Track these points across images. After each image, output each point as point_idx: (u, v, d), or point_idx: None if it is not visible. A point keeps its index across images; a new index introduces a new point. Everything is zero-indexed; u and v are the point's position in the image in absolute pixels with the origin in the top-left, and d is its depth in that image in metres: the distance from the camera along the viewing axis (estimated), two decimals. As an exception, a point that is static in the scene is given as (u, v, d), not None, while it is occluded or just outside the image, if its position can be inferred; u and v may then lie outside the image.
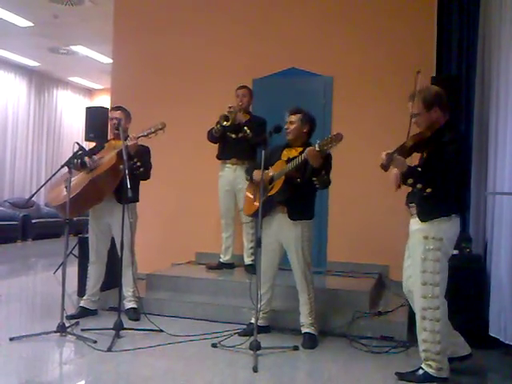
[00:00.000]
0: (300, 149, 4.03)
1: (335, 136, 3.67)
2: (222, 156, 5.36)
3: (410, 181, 3.11)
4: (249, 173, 4.33)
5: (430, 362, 3.24)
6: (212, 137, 5.28)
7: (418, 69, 5.45)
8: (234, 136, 5.22)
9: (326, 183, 3.95)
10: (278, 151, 4.15)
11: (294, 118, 4.08)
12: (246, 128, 5.11)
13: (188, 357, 3.76)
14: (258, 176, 4.05)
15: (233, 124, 5.13)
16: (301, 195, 3.98)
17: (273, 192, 3.99)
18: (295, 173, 3.90)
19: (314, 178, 3.84)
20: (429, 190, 3.06)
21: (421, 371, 3.29)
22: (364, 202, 5.70)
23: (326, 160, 3.87)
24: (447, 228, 3.20)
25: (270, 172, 4.05)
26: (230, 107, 5.17)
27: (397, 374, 3.40)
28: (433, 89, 3.38)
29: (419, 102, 3.28)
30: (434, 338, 3.19)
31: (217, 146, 5.39)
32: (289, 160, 4.01)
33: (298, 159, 3.84)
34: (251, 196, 4.29)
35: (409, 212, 3.38)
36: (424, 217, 3.21)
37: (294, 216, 3.99)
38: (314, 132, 4.20)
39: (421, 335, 3.26)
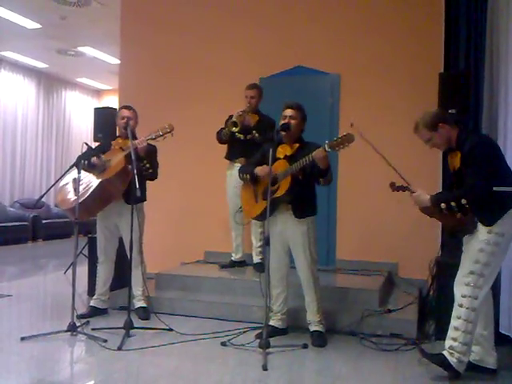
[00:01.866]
0: (296, 145, 4.02)
1: (346, 137, 3.64)
2: (231, 156, 5.37)
3: (453, 203, 3.18)
4: (244, 172, 4.22)
5: (453, 352, 3.26)
6: (221, 139, 5.30)
7: (426, 65, 5.49)
8: (242, 137, 5.22)
9: (330, 181, 3.95)
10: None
11: (294, 113, 4.01)
12: (254, 132, 5.12)
13: (197, 355, 3.78)
14: (262, 172, 4.01)
15: (242, 128, 5.15)
16: (303, 192, 3.96)
17: (281, 193, 3.91)
18: (298, 171, 3.88)
19: (321, 179, 3.84)
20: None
21: (441, 356, 3.31)
22: (373, 201, 5.69)
23: None
24: (510, 222, 3.22)
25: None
26: (238, 112, 5.17)
27: (420, 350, 3.49)
28: (429, 112, 3.44)
29: (424, 129, 3.37)
30: (467, 328, 3.22)
31: (225, 145, 5.41)
32: (287, 158, 3.98)
33: (305, 160, 3.78)
34: (250, 198, 4.21)
35: None
36: (488, 222, 3.21)
37: (299, 214, 3.96)
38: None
39: (453, 322, 3.28)
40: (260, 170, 4.07)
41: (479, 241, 3.23)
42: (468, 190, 3.20)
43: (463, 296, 3.25)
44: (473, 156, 3.21)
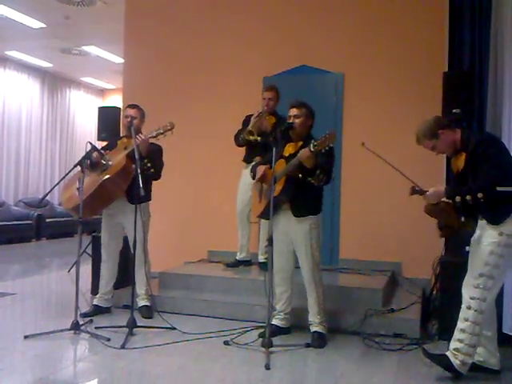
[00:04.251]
0: (300, 143, 4.00)
1: (329, 136, 3.62)
2: (249, 159, 5.30)
3: (469, 197, 3.12)
4: (251, 170, 4.33)
5: (458, 354, 3.24)
6: (239, 143, 5.26)
7: (430, 64, 5.48)
8: (259, 139, 5.20)
9: (324, 182, 3.84)
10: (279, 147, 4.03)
11: (298, 111, 4.01)
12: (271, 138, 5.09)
13: (200, 354, 3.78)
14: (260, 171, 4.07)
15: (258, 134, 5.11)
16: (304, 191, 3.92)
17: (276, 193, 3.89)
18: (295, 170, 3.86)
19: (309, 178, 3.81)
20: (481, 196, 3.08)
21: (444, 357, 3.30)
22: (376, 200, 5.69)
23: (328, 157, 3.80)
24: None
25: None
26: (255, 117, 5.11)
27: (423, 350, 3.46)
28: (426, 122, 3.42)
29: (425, 140, 3.37)
30: (474, 330, 3.20)
31: (232, 146, 5.39)
32: (289, 157, 3.97)
33: (294, 161, 3.80)
34: (257, 197, 4.26)
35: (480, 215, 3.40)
36: (496, 221, 3.19)
37: (297, 212, 3.95)
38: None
39: (460, 325, 3.26)
40: (258, 169, 4.15)
41: (489, 243, 3.20)
42: (485, 184, 3.11)
43: (472, 298, 3.22)
44: (481, 153, 3.17)
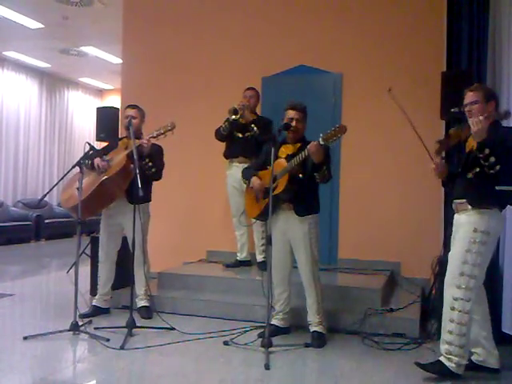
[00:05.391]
0: (298, 145, 4.00)
1: (339, 128, 3.62)
2: (229, 154, 5.39)
3: (487, 151, 3.01)
4: (245, 175, 4.28)
5: (451, 356, 3.23)
6: (220, 135, 5.32)
7: (428, 64, 5.48)
8: (240, 135, 5.25)
9: (327, 178, 3.86)
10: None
11: (299, 115, 4.01)
12: (252, 125, 5.14)
13: (200, 354, 3.78)
14: (257, 185, 4.06)
15: (240, 122, 5.15)
16: (304, 190, 3.94)
17: (278, 191, 3.90)
18: (297, 169, 3.86)
19: (316, 174, 3.80)
20: (498, 167, 2.99)
21: (440, 364, 3.28)
22: (375, 199, 5.69)
23: (326, 154, 3.79)
24: (496, 223, 3.20)
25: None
26: (240, 103, 5.20)
27: (416, 363, 3.40)
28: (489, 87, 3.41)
29: (479, 93, 3.29)
30: (461, 330, 3.19)
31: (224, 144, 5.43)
32: (288, 157, 3.96)
33: (301, 156, 3.77)
34: (252, 198, 4.23)
35: (455, 209, 3.37)
36: (480, 204, 3.16)
37: (300, 212, 3.95)
38: None
39: (446, 326, 3.25)
40: (255, 183, 4.10)
41: (464, 240, 3.20)
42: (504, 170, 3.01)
43: (455, 299, 3.21)
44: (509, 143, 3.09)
